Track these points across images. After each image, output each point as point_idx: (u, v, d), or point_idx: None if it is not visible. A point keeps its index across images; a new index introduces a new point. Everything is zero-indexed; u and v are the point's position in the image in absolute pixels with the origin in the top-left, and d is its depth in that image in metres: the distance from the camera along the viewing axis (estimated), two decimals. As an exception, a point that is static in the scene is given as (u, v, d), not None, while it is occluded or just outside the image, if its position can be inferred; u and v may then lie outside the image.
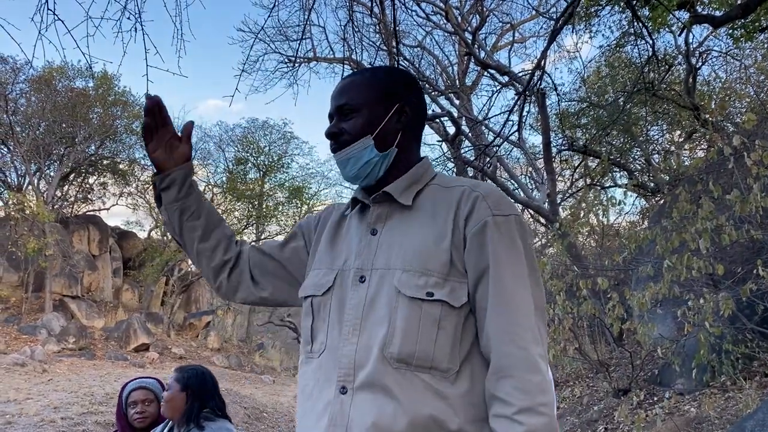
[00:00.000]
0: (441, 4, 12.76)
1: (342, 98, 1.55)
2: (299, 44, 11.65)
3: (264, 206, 26.86)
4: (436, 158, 14.70)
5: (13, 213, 19.06)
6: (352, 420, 1.35)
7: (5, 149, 21.67)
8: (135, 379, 3.11)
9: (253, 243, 1.83)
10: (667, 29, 10.51)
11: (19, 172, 21.91)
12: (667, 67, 10.60)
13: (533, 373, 1.30)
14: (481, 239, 1.38)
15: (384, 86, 1.56)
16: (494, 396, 1.33)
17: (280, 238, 1.93)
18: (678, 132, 14.39)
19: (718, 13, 9.35)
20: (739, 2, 8.59)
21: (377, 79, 1.57)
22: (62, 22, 3.69)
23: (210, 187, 26.55)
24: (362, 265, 1.46)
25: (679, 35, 10.59)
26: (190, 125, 1.73)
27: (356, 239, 1.53)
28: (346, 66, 14.43)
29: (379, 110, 1.53)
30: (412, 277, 1.39)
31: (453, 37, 14.65)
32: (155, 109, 1.61)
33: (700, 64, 12.04)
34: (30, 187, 20.99)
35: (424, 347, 1.35)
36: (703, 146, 12.97)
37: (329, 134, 1.56)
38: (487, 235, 1.38)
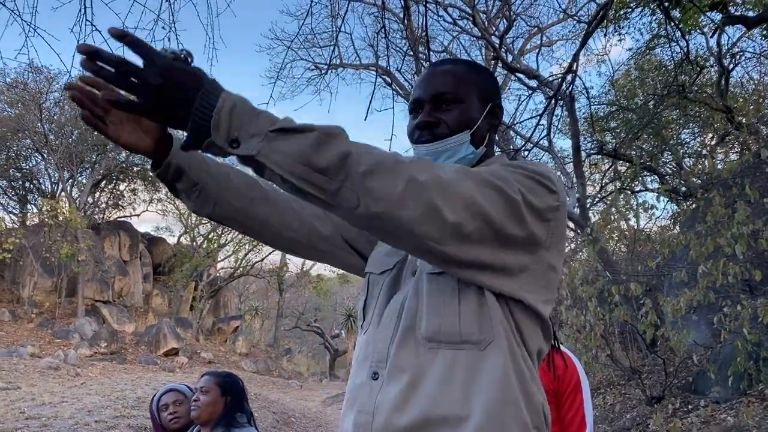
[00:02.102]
0: (468, 9, 12.73)
1: (439, 85, 1.45)
2: (332, 51, 11.71)
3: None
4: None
5: (46, 219, 19.46)
6: (378, 407, 1.32)
7: (39, 157, 22.19)
8: (166, 388, 3.14)
9: None
10: (698, 31, 10.36)
11: (52, 180, 22.42)
12: (698, 69, 10.42)
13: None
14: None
15: (482, 84, 1.48)
16: None
17: None
18: (710, 135, 14.15)
19: (751, 14, 9.19)
20: (773, 2, 8.44)
21: (477, 75, 1.50)
22: (99, 32, 3.77)
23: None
24: (413, 260, 1.43)
25: (711, 36, 10.41)
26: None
27: None
28: (371, 71, 14.51)
29: (477, 107, 1.44)
30: None
31: (480, 42, 14.62)
32: (82, 96, 1.14)
33: (732, 65, 11.84)
34: (63, 194, 21.42)
35: (449, 319, 1.29)
36: (736, 149, 12.75)
37: (425, 123, 1.43)
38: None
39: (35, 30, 3.60)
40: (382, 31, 5.55)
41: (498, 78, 15.92)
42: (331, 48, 10.14)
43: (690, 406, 6.67)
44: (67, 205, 19.93)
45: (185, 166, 1.31)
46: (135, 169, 24.03)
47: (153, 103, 1.05)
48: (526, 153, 9.74)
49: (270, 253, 27.59)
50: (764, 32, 10.00)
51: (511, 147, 11.69)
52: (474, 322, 1.28)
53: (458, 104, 1.43)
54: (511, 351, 1.26)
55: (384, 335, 1.38)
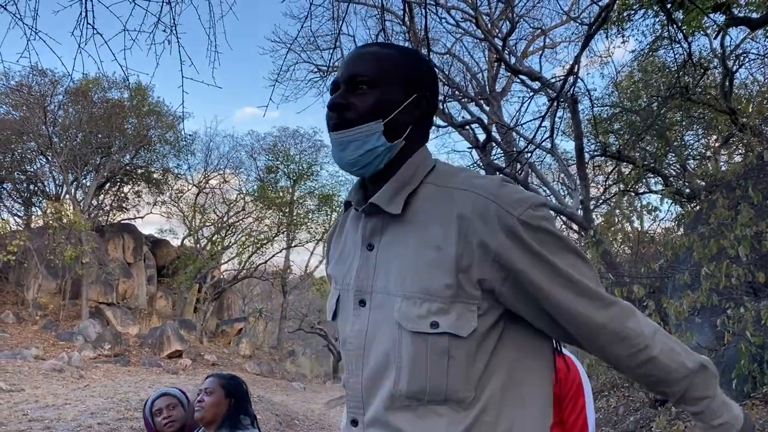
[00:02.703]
0: (471, 11, 12.74)
1: (358, 67, 1.33)
2: (331, 54, 11.68)
3: (294, 213, 27.07)
4: (467, 165, 14.58)
5: (51, 222, 19.48)
6: None
7: (44, 160, 22.25)
8: (159, 392, 3.13)
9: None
10: (702, 32, 10.33)
11: (56, 182, 22.46)
12: (702, 70, 10.39)
13: (631, 317, 1.28)
14: (519, 249, 1.21)
15: (408, 69, 1.36)
16: (619, 354, 1.31)
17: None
18: (714, 137, 14.09)
19: (755, 15, 9.17)
20: (777, 4, 8.43)
21: (403, 59, 1.37)
22: (101, 35, 3.77)
23: (242, 195, 26.87)
24: (361, 287, 1.35)
25: (715, 38, 10.39)
26: None
27: (354, 253, 1.41)
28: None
29: (397, 94, 1.32)
30: (412, 306, 1.25)
31: (483, 44, 14.62)
32: None
33: (736, 67, 11.79)
34: (67, 196, 21.48)
35: (436, 382, 1.24)
36: (740, 151, 12.69)
37: (333, 105, 1.32)
38: (522, 241, 1.21)
39: (36, 33, 3.62)
40: (384, 33, 5.55)
41: (501, 80, 15.90)
42: (331, 51, 10.12)
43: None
44: (71, 207, 19.98)
45: None
46: (139, 171, 24.10)
47: None
48: (528, 154, 9.72)
49: (273, 256, 27.66)
50: (769, 34, 9.98)
51: (515, 149, 11.66)
52: (460, 381, 1.24)
53: (374, 89, 1.31)
54: (489, 401, 1.26)
55: (354, 382, 1.35)
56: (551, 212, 1.30)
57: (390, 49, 1.39)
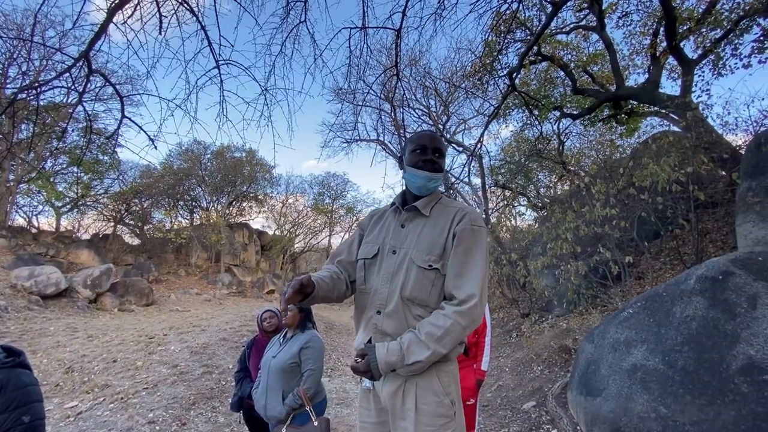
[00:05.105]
0: (425, 109, 12.77)
1: (439, 145, 1.45)
2: (352, 133, 11.71)
3: (333, 217, 26.91)
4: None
5: (203, 222, 19.36)
6: (383, 327, 1.34)
7: (200, 189, 22.06)
8: (265, 309, 3.12)
9: (339, 260, 1.53)
10: (548, 120, 10.37)
11: (206, 201, 22.26)
12: (547, 141, 10.43)
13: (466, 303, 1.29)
14: (462, 236, 1.32)
15: (446, 152, 1.49)
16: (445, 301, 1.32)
17: (348, 237, 1.61)
18: (553, 176, 14.12)
19: (575, 111, 9.24)
20: (587, 106, 8.49)
21: (447, 146, 1.52)
22: (230, 121, 3.78)
23: (305, 207, 26.69)
24: (395, 245, 1.39)
25: (555, 123, 10.43)
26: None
27: (392, 229, 1.44)
28: (374, 143, 14.47)
29: (444, 163, 1.47)
30: (421, 255, 1.33)
31: (432, 127, 14.63)
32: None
33: (566, 139, 11.81)
34: (211, 207, 21.29)
35: (423, 295, 1.30)
36: (567, 183, 12.70)
37: (431, 160, 1.43)
38: (465, 234, 1.32)
39: (196, 120, 3.61)
40: (380, 121, 5.55)
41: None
42: (353, 131, 10.18)
43: (543, 318, 6.68)
44: (214, 214, 19.84)
45: (317, 299, 1.43)
46: (251, 195, 23.91)
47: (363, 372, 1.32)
48: (457, 184, 9.72)
49: (322, 239, 27.44)
50: (583, 122, 10.02)
51: (450, 182, 11.69)
52: (435, 298, 1.31)
53: (443, 158, 1.45)
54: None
55: (383, 291, 1.36)
56: (484, 225, 1.36)
57: (443, 140, 1.54)
